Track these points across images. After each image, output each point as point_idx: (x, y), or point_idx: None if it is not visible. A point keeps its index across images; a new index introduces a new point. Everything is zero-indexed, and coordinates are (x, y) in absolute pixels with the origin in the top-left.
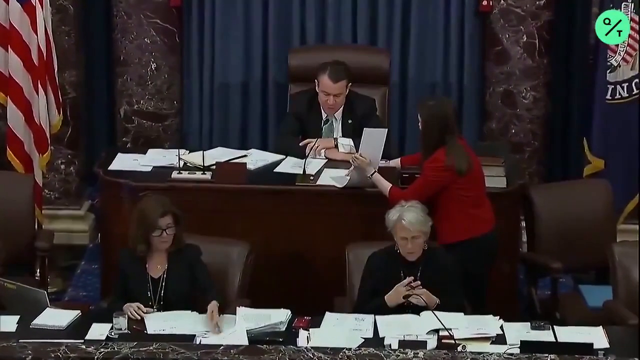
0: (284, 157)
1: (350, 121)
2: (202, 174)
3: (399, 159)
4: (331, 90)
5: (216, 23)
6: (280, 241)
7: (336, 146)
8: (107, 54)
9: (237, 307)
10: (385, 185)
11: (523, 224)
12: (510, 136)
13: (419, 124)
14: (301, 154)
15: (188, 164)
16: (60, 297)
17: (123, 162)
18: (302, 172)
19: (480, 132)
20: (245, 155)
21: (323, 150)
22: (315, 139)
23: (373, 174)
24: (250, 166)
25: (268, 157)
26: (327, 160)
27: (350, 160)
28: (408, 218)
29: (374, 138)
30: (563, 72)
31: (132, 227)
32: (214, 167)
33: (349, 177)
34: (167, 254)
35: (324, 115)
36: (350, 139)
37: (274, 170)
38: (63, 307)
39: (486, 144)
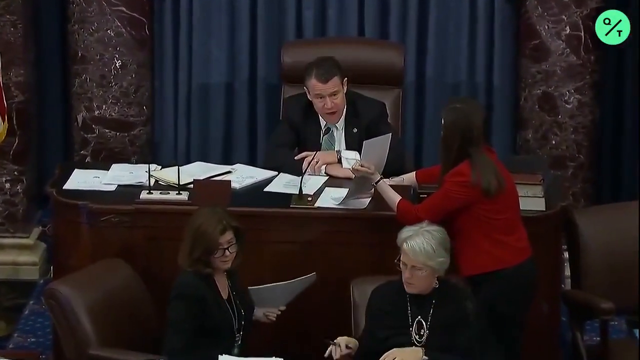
0: (276, 173)
1: (355, 130)
2: (177, 194)
3: (414, 172)
4: (323, 90)
5: (194, 11)
6: (272, 274)
7: (339, 161)
8: (62, 49)
9: (218, 355)
10: (393, 198)
11: (566, 254)
12: (550, 148)
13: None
14: (297, 170)
15: (160, 182)
16: (4, 344)
17: (81, 179)
18: (298, 192)
19: (514, 144)
20: (229, 172)
21: (323, 166)
22: (314, 152)
23: (379, 181)
24: (236, 185)
25: (257, 174)
26: (328, 177)
27: (351, 171)
28: (412, 243)
29: (377, 147)
30: (614, 70)
31: (186, 247)
32: (192, 185)
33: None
34: (226, 272)
35: (323, 124)
36: (356, 152)
37: (264, 190)
38: (7, 355)
39: (521, 158)
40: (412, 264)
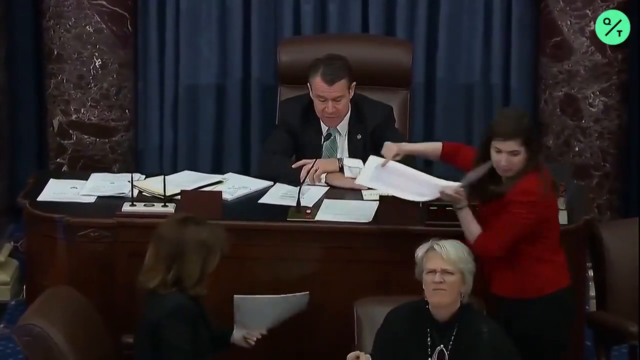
0: (272, 183)
1: (359, 137)
2: (162, 206)
3: (441, 143)
4: (328, 94)
5: (181, 5)
6: (268, 295)
7: (341, 169)
8: (36, 47)
9: None
10: (473, 230)
11: (590, 273)
12: (573, 156)
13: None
14: (294, 180)
15: (144, 194)
16: None
17: (57, 190)
18: (295, 204)
19: None
20: (220, 182)
21: (323, 175)
22: (314, 160)
23: (462, 208)
24: (227, 196)
25: (250, 184)
26: (328, 188)
27: (440, 194)
28: (443, 244)
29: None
30: None
31: (196, 267)
32: (179, 197)
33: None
34: None
35: (324, 129)
36: (360, 160)
37: (259, 202)
38: None
39: None
40: (443, 266)
